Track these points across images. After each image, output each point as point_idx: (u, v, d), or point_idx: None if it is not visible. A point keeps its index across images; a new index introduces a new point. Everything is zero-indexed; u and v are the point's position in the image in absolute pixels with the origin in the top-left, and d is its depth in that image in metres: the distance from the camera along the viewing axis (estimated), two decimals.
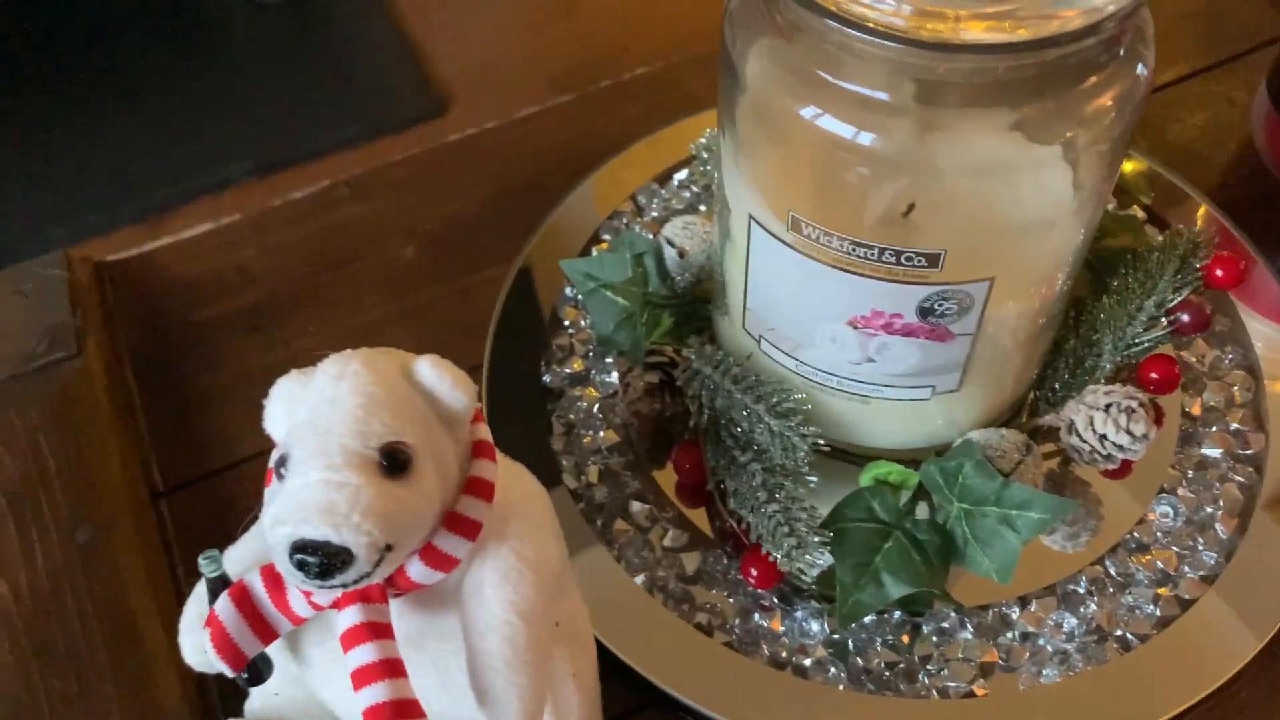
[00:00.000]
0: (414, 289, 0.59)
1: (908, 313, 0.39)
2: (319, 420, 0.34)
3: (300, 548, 0.32)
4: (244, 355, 0.56)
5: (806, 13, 0.34)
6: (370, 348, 0.37)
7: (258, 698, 0.43)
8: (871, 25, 0.33)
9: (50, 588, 0.46)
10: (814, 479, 0.43)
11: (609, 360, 0.53)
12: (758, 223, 0.40)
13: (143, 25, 1.70)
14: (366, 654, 0.35)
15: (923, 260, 0.37)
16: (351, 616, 0.36)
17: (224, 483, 0.52)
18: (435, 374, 0.36)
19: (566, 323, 0.55)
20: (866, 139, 0.36)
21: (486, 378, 0.53)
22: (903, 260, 0.37)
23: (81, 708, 0.42)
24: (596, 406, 0.51)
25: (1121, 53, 0.36)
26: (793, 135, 0.37)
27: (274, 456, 0.35)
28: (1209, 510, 0.47)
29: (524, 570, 0.38)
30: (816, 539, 0.42)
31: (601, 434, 0.50)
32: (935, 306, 0.39)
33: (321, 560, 0.32)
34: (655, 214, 0.59)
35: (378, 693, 0.35)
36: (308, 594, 0.37)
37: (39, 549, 0.47)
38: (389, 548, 0.33)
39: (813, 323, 0.41)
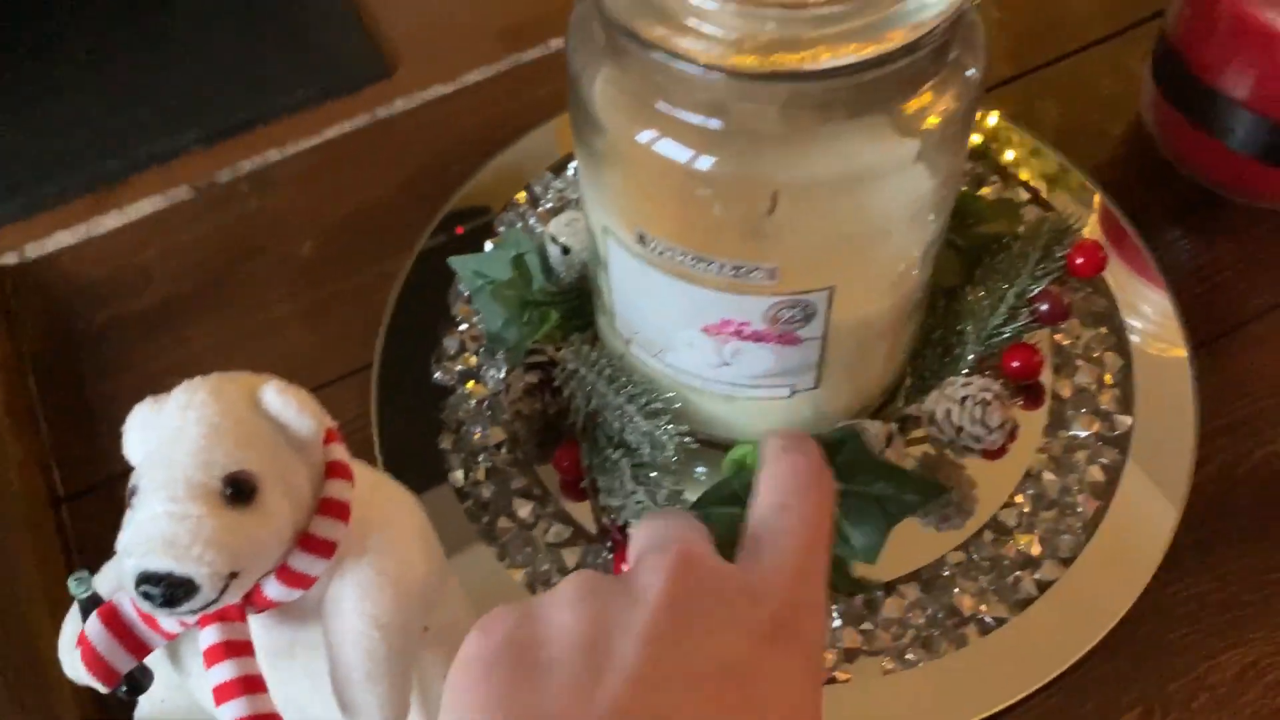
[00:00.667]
0: (313, 285, 0.59)
1: (754, 321, 0.40)
2: (165, 451, 0.36)
3: (145, 579, 0.34)
4: (146, 358, 0.57)
5: (635, 44, 0.35)
6: (221, 373, 0.38)
7: (146, 705, 0.44)
8: (695, 58, 0.34)
9: None
10: (699, 470, 0.44)
11: (499, 357, 0.54)
12: (611, 234, 0.41)
13: None
14: (225, 671, 0.37)
15: (760, 274, 0.38)
16: (211, 636, 0.37)
17: (124, 487, 0.53)
18: (280, 401, 0.37)
19: (459, 318, 0.56)
20: (702, 163, 0.36)
21: (377, 375, 0.54)
22: (741, 274, 0.38)
23: None
24: (485, 403, 0.53)
25: (950, 59, 0.37)
26: (632, 156, 0.38)
27: (129, 486, 0.36)
28: (1072, 492, 0.48)
29: (383, 583, 0.39)
30: None
31: (489, 431, 0.52)
32: (780, 315, 0.40)
33: (165, 590, 0.34)
34: (550, 204, 0.60)
35: (238, 708, 0.36)
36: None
37: None
38: (233, 575, 0.35)
39: (670, 329, 0.42)
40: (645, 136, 0.37)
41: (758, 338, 0.41)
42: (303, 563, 0.37)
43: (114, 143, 1.50)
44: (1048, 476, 0.48)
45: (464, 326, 0.55)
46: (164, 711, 0.44)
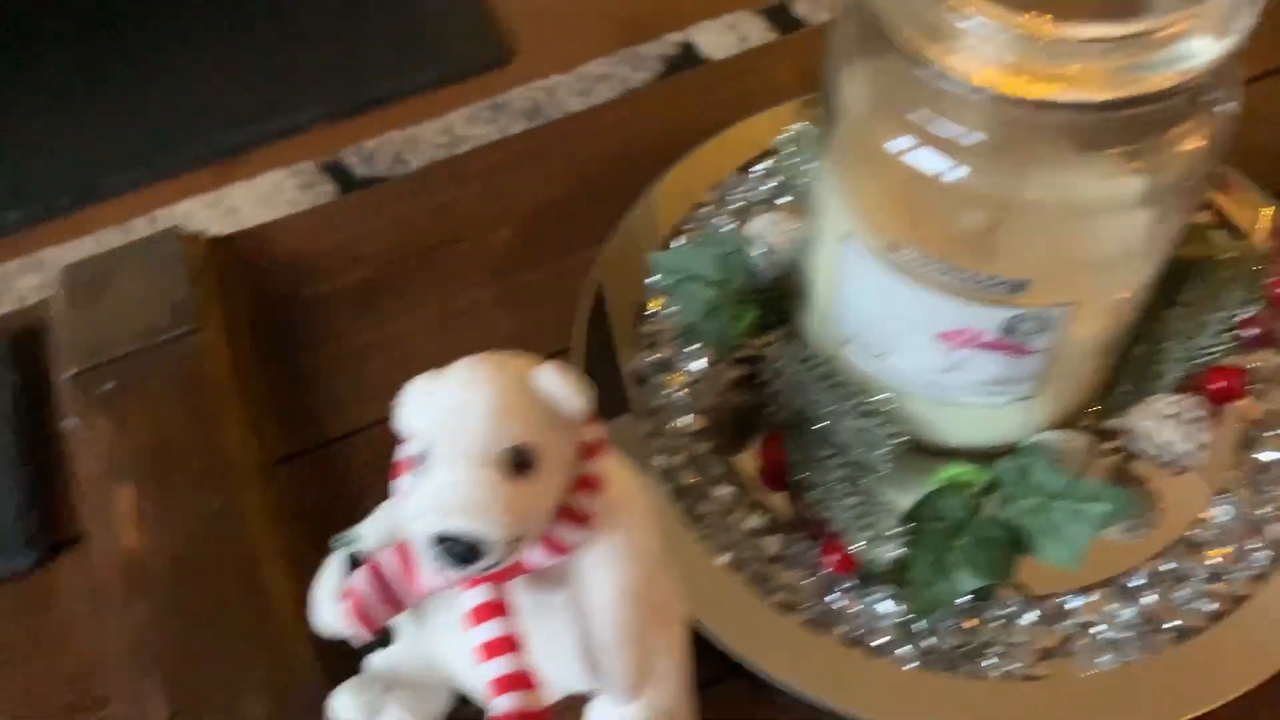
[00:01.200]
0: (510, 272, 0.62)
1: (991, 330, 0.42)
2: (455, 422, 0.38)
3: (443, 539, 0.37)
4: (350, 333, 0.60)
5: (903, 58, 0.37)
6: (499, 351, 0.41)
7: (379, 658, 0.47)
8: (967, 78, 0.36)
9: (186, 550, 0.51)
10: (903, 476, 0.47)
11: (695, 348, 0.57)
12: (852, 240, 0.43)
13: None
14: (491, 630, 0.40)
15: (1008, 287, 0.40)
16: (478, 596, 0.40)
17: (337, 453, 0.56)
18: (556, 382, 0.40)
19: (652, 310, 0.58)
20: (958, 174, 0.38)
21: (577, 361, 0.57)
22: (991, 285, 0.40)
23: (225, 667, 0.47)
24: (682, 393, 0.55)
25: (1211, 98, 0.39)
26: (887, 165, 0.40)
27: (409, 453, 0.39)
28: (1263, 511, 0.50)
29: (630, 556, 0.42)
30: (894, 534, 0.46)
31: (687, 420, 0.54)
32: (1017, 326, 0.42)
33: (462, 551, 0.37)
34: (736, 205, 0.62)
35: (502, 666, 0.39)
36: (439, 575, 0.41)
37: (176, 514, 0.52)
38: (518, 539, 0.38)
39: (901, 334, 0.44)
40: (902, 144, 0.39)
41: (990, 346, 0.43)
42: (564, 532, 0.40)
43: (236, 116, 1.54)
44: (1240, 495, 0.50)
45: (659, 317, 0.58)
46: (394, 664, 0.47)
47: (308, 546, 0.52)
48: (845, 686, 0.46)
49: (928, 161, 0.39)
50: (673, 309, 0.58)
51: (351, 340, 0.60)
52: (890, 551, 0.46)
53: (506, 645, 0.40)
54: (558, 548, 0.40)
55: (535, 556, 0.40)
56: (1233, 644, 0.47)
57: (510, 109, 1.54)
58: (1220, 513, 0.50)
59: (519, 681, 0.39)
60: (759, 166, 0.63)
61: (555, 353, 0.58)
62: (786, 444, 0.50)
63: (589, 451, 0.41)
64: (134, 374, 0.56)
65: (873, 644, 0.47)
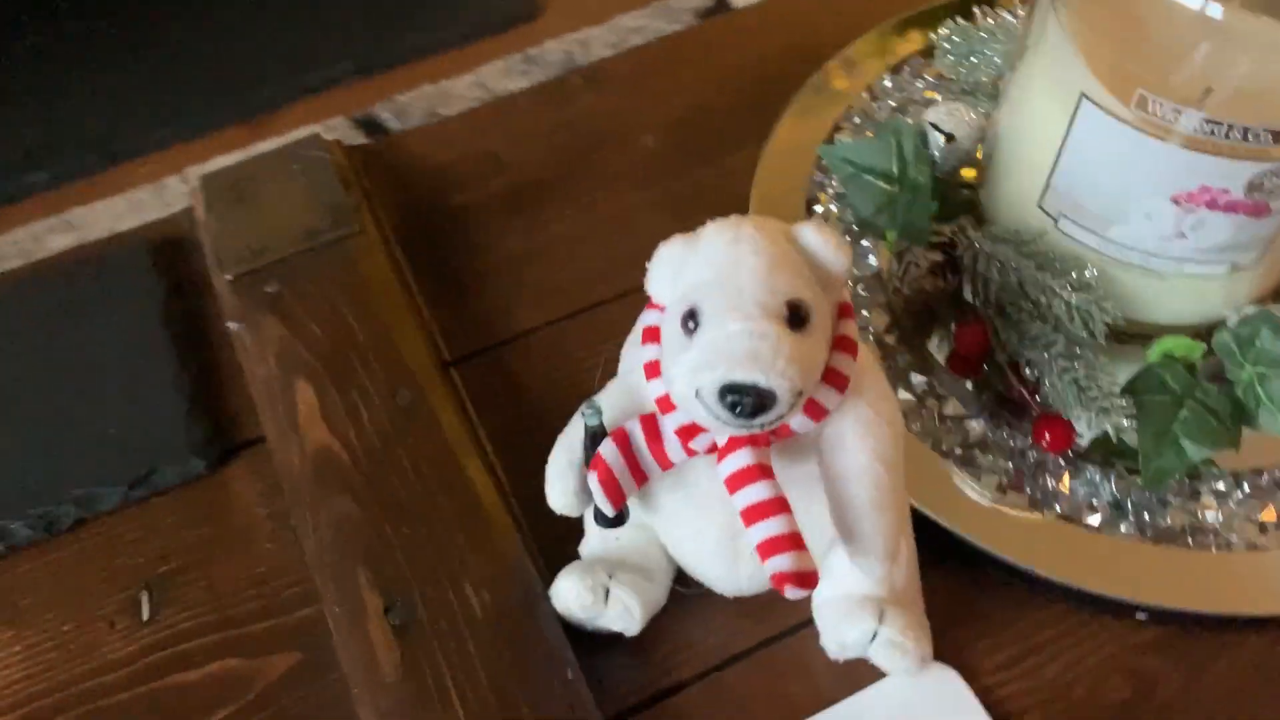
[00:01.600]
0: (660, 177, 0.61)
1: (1234, 188, 0.42)
2: (727, 278, 0.37)
3: (731, 389, 0.36)
4: (504, 238, 0.59)
5: None
6: (750, 215, 0.41)
7: (597, 541, 0.46)
8: None
9: (381, 445, 0.49)
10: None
11: (866, 244, 0.56)
12: (1090, 100, 0.43)
13: None
14: (759, 492, 0.39)
15: (1270, 137, 0.40)
16: (743, 459, 0.39)
17: (508, 353, 0.55)
18: (819, 238, 0.39)
19: (819, 209, 0.58)
20: (1218, 10, 0.38)
21: None
22: (1249, 136, 0.40)
23: (436, 560, 0.46)
24: (861, 287, 0.55)
25: None
26: (1140, 7, 0.40)
27: (671, 315, 0.38)
28: None
29: (881, 422, 0.41)
30: (1118, 406, 0.45)
31: (869, 313, 0.54)
32: (1264, 182, 0.41)
33: (752, 402, 0.36)
34: (893, 103, 0.61)
35: (773, 527, 0.38)
36: (686, 441, 0.41)
37: (363, 411, 0.50)
38: (800, 394, 0.37)
39: (1131, 199, 0.44)
40: None
41: (1229, 207, 0.42)
42: (824, 395, 0.39)
43: (266, 73, 1.52)
44: None
45: (825, 215, 0.57)
46: (615, 549, 0.46)
47: (496, 445, 0.51)
48: (1066, 562, 0.46)
49: None
50: (839, 207, 0.57)
51: (505, 246, 0.59)
52: (1121, 425, 0.45)
53: (777, 506, 0.39)
54: (816, 412, 0.39)
55: (796, 421, 0.39)
56: None
57: (544, 61, 1.52)
58: None
59: (791, 542, 0.38)
60: (907, 66, 0.63)
61: None
62: (991, 327, 0.50)
63: (842, 312, 0.40)
64: (297, 276, 0.54)
65: (1090, 520, 0.47)
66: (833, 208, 0.57)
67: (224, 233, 0.56)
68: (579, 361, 0.54)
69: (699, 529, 0.44)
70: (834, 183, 0.58)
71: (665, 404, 0.40)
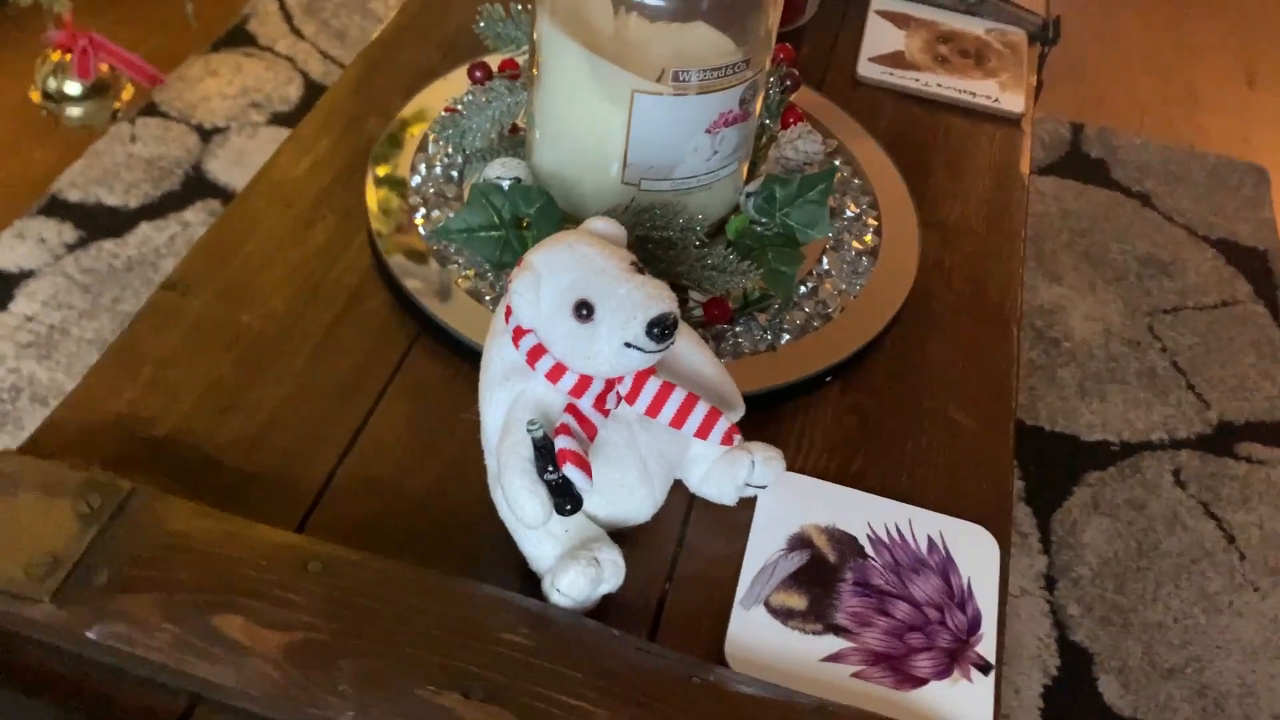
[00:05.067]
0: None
1: (734, 106, 0.65)
2: (590, 268, 0.51)
3: (654, 323, 0.49)
4: None
5: None
6: (548, 240, 0.53)
7: (550, 542, 0.55)
8: None
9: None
10: None
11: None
12: (641, 91, 0.62)
13: None
14: (676, 398, 0.54)
15: (742, 67, 0.63)
16: (655, 385, 0.53)
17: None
18: (603, 223, 0.54)
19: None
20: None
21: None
22: (730, 70, 0.63)
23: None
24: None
25: None
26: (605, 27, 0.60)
27: (562, 315, 0.50)
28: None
29: (691, 330, 0.58)
30: (745, 269, 0.67)
31: None
32: (746, 96, 0.65)
33: (671, 324, 0.50)
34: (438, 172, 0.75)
35: (700, 411, 0.53)
36: (600, 406, 0.52)
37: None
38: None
39: (683, 144, 0.64)
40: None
41: (734, 119, 0.65)
42: None
43: None
44: None
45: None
46: (566, 537, 0.55)
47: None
48: (769, 374, 0.67)
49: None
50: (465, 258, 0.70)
51: None
52: (748, 283, 0.67)
53: (692, 400, 0.53)
54: None
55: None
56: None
57: None
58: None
59: (717, 413, 0.53)
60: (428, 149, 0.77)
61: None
62: None
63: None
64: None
65: (766, 346, 0.68)
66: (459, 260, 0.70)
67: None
68: None
69: (623, 478, 0.55)
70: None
71: (578, 389, 0.52)
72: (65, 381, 1.38)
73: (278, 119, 1.75)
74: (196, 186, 1.64)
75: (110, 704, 0.49)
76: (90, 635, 0.49)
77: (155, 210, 1.60)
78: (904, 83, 0.93)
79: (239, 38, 1.90)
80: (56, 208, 1.58)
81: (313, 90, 1.82)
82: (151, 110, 1.74)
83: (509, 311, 0.53)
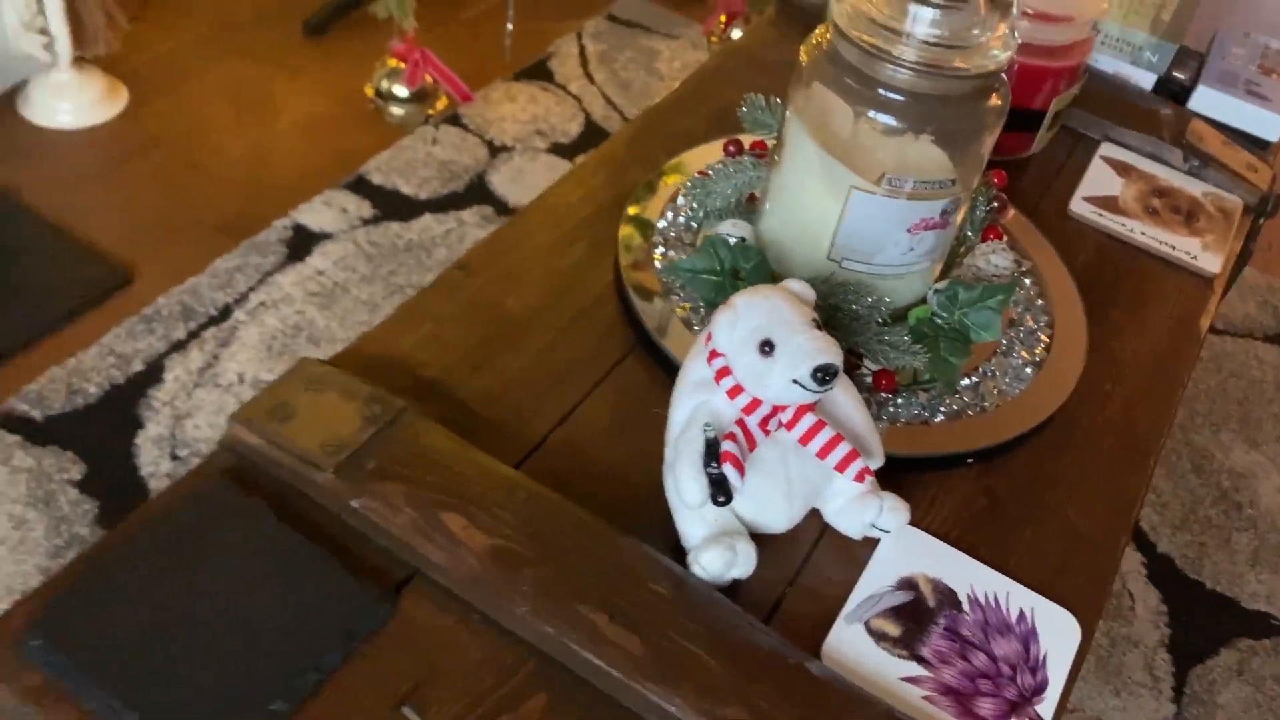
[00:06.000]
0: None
1: (935, 215, 0.76)
2: (778, 317, 0.63)
3: (820, 369, 0.62)
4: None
5: None
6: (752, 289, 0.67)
7: (700, 525, 0.67)
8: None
9: (521, 527, 0.66)
10: None
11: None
12: (858, 189, 0.75)
13: None
14: (825, 434, 0.65)
15: (947, 184, 0.75)
16: (810, 419, 0.65)
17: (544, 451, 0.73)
18: (798, 284, 0.67)
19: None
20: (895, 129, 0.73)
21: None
22: (938, 186, 0.75)
23: (607, 574, 0.64)
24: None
25: None
26: (845, 133, 0.73)
27: (748, 348, 0.63)
28: None
29: (848, 382, 0.70)
30: (914, 350, 0.78)
31: None
32: (948, 209, 0.77)
33: (833, 373, 0.62)
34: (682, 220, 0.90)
35: (841, 449, 0.65)
36: (764, 425, 0.65)
37: (497, 511, 0.66)
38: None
39: (885, 237, 0.77)
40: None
41: (933, 226, 0.77)
42: None
43: None
44: None
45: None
46: (715, 526, 0.67)
47: (570, 495, 0.70)
48: (921, 442, 0.77)
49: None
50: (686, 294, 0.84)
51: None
52: (916, 361, 0.78)
53: (837, 438, 0.65)
54: None
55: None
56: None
57: (162, 316, 1.59)
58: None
59: (855, 453, 0.65)
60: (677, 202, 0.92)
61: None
62: None
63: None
64: (377, 453, 0.68)
65: (922, 421, 0.79)
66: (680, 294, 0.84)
67: (294, 443, 0.68)
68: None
69: (770, 490, 0.67)
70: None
71: (749, 408, 0.65)
72: (338, 330, 1.62)
73: (556, 148, 1.97)
74: (477, 192, 1.87)
75: (357, 560, 0.65)
76: (354, 504, 0.66)
77: (439, 205, 1.84)
78: (1111, 225, 1.02)
79: (539, 72, 2.15)
80: (361, 186, 1.85)
81: (591, 129, 2.04)
82: (454, 120, 1.99)
83: (709, 337, 0.67)
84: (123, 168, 1.77)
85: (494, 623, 0.63)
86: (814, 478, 0.68)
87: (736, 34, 1.87)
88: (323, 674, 0.60)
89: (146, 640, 0.59)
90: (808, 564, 0.71)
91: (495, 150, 1.95)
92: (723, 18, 1.86)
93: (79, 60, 1.83)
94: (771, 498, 0.68)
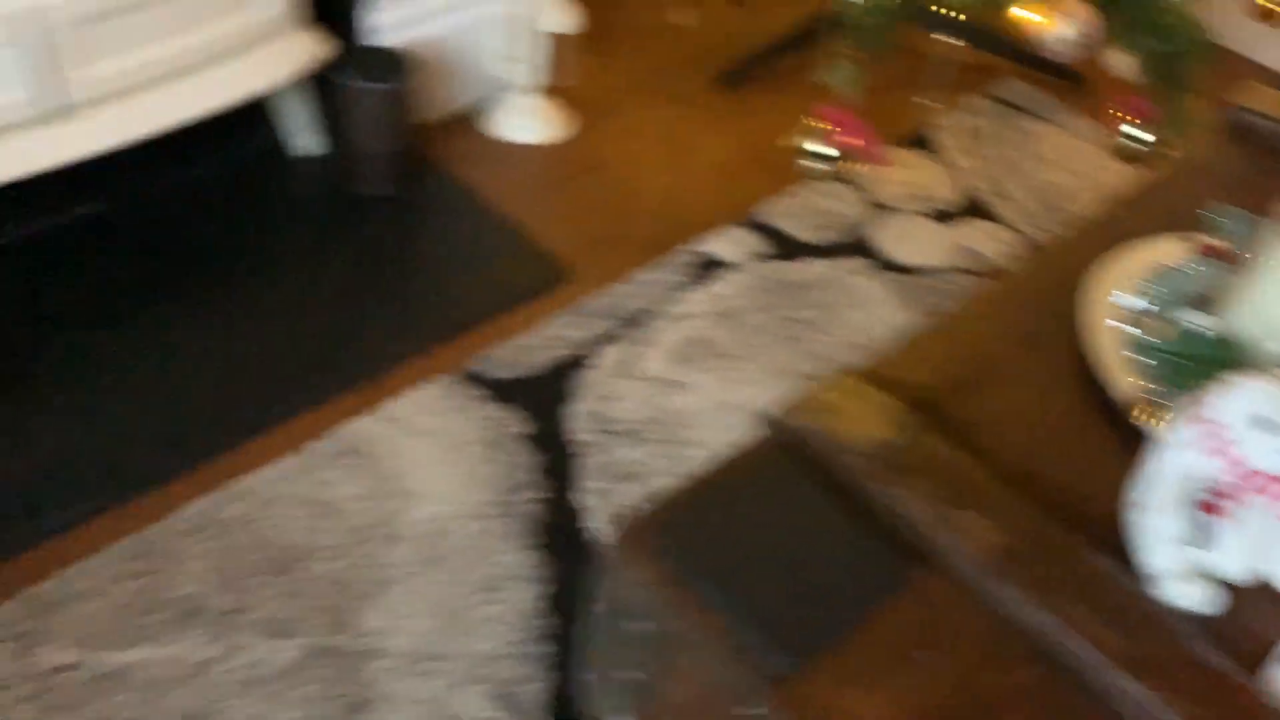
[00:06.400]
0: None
1: None
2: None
3: None
4: None
5: None
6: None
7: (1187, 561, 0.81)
8: None
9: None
10: None
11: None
12: None
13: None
14: None
15: None
16: None
17: None
18: None
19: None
20: None
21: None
22: None
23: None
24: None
25: None
26: None
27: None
28: None
29: None
30: None
31: None
32: None
33: None
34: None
35: None
36: (1248, 487, 0.78)
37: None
38: None
39: None
40: None
41: None
42: None
43: (371, 340, 1.74)
44: None
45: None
46: (1205, 564, 0.80)
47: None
48: None
49: None
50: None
51: None
52: None
53: None
54: None
55: None
56: None
57: (593, 308, 1.86)
58: None
59: None
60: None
61: None
62: None
63: None
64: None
65: None
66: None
67: (839, 435, 0.87)
68: None
69: (1263, 549, 0.80)
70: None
71: (1237, 473, 0.78)
72: (730, 347, 1.84)
73: (939, 215, 2.12)
74: (858, 245, 2.05)
75: (881, 536, 0.83)
76: (883, 491, 0.84)
77: (824, 251, 2.04)
78: None
79: (918, 141, 2.31)
80: (758, 225, 2.07)
81: (971, 201, 2.18)
82: (839, 175, 2.19)
83: (1200, 406, 0.80)
84: (569, 183, 2.08)
85: (990, 606, 0.79)
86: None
87: (1143, 134, 1.96)
88: (857, 618, 0.78)
89: (737, 556, 0.79)
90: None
91: (880, 208, 2.13)
92: (1129, 117, 1.96)
93: (542, 87, 2.16)
94: (1259, 556, 0.80)
